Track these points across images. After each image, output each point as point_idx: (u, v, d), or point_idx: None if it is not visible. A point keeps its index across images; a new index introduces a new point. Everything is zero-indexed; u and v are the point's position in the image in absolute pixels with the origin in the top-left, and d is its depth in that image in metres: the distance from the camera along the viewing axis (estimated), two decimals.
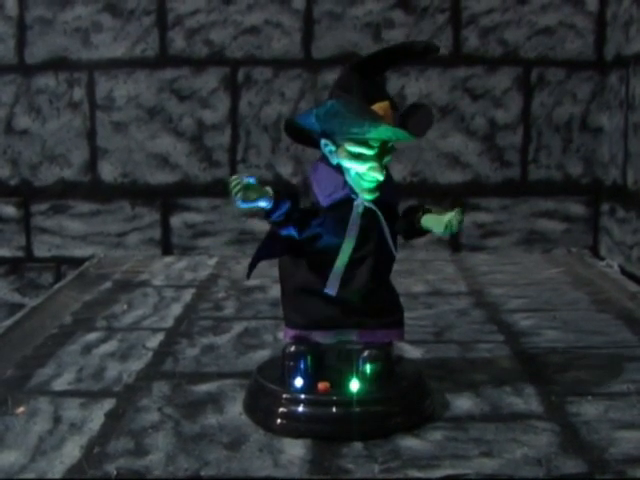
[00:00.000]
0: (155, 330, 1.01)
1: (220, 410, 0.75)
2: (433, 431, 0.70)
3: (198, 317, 1.08)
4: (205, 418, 0.73)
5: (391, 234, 0.72)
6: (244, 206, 0.66)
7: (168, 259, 1.48)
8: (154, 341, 0.97)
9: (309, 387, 0.72)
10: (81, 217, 1.53)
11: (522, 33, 1.47)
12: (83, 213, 1.53)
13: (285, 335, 0.75)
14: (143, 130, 1.50)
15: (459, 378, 0.83)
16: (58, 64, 1.49)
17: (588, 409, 0.75)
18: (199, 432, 0.70)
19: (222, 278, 1.31)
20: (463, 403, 0.76)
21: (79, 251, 1.53)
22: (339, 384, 0.72)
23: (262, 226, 1.43)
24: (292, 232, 0.70)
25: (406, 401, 0.72)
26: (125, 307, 1.13)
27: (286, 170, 1.50)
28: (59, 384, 0.82)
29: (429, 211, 0.71)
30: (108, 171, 1.52)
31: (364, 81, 0.68)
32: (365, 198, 0.70)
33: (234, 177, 0.65)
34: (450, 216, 0.69)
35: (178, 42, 1.48)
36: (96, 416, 0.74)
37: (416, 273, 1.32)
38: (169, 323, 1.05)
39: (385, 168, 0.69)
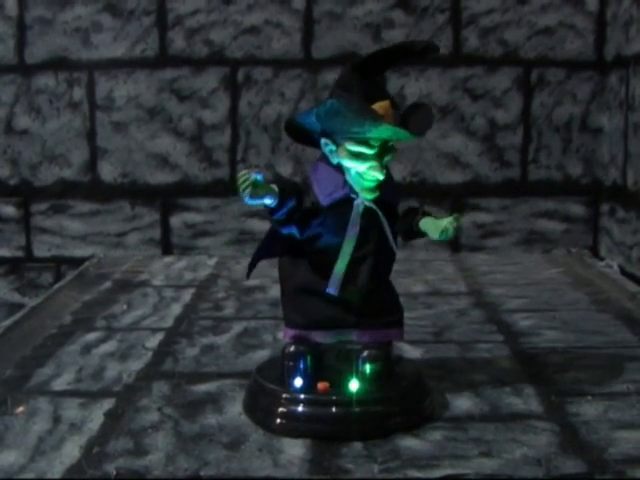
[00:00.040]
0: (155, 330, 1.01)
1: (220, 410, 0.75)
2: (433, 431, 0.70)
3: (198, 317, 1.08)
4: (205, 418, 0.73)
5: (392, 233, 0.72)
6: (251, 202, 0.65)
7: (168, 259, 1.48)
8: (154, 341, 0.97)
9: (309, 387, 0.72)
10: (81, 217, 1.53)
11: (522, 33, 1.47)
12: (83, 213, 1.53)
13: (285, 335, 0.75)
14: (143, 130, 1.50)
15: (459, 378, 0.83)
16: (58, 64, 1.49)
17: (588, 409, 0.75)
18: (199, 432, 0.70)
19: (222, 278, 1.31)
20: (463, 403, 0.76)
21: (79, 251, 1.53)
22: (339, 384, 0.72)
23: (262, 226, 1.44)
24: (293, 231, 0.70)
25: (406, 401, 0.72)
26: (125, 307, 1.13)
27: (286, 170, 1.50)
28: (59, 384, 0.82)
29: (428, 214, 0.71)
30: (108, 171, 1.51)
31: (364, 81, 0.68)
32: (365, 198, 0.70)
33: (243, 172, 0.65)
34: (447, 222, 0.69)
35: (178, 42, 1.48)
36: (96, 416, 0.74)
37: (416, 273, 1.32)
38: (169, 323, 1.05)
39: (385, 168, 0.69)
